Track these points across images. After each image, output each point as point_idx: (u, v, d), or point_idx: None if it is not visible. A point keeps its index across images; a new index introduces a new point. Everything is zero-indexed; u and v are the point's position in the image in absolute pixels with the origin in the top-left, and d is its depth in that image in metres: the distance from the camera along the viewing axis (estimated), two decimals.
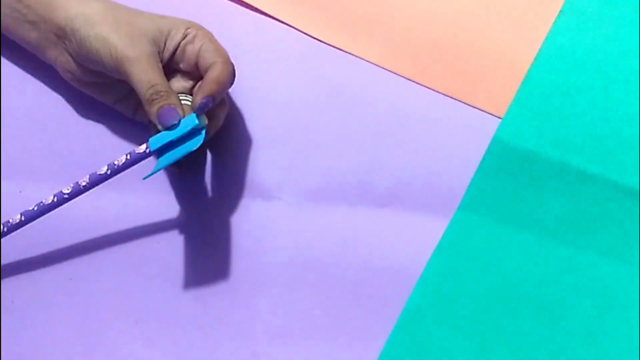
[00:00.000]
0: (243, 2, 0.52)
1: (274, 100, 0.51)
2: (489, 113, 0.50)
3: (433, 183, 0.49)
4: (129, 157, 0.45)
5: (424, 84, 0.51)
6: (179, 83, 0.48)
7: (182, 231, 0.50)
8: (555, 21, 0.51)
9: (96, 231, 0.50)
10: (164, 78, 0.46)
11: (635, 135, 0.49)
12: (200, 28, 0.48)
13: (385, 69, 0.51)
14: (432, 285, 0.48)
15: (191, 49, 0.47)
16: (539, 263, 0.47)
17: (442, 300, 0.47)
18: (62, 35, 0.47)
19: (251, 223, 0.49)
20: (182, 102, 0.46)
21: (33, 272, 0.49)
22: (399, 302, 0.48)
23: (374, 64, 0.51)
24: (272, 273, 0.49)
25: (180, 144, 0.45)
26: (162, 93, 0.45)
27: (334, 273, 0.48)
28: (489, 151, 0.49)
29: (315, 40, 0.52)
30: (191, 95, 0.47)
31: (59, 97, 0.51)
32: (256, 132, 0.51)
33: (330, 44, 0.52)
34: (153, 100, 0.44)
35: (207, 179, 0.50)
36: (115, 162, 0.45)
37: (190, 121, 0.44)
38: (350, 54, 0.51)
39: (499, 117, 0.50)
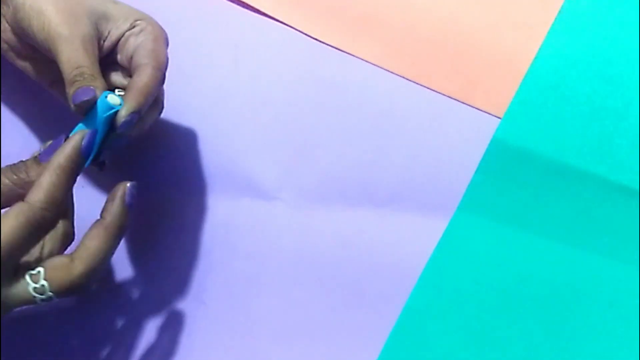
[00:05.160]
0: (243, 2, 0.52)
1: (274, 100, 0.51)
2: (488, 113, 0.50)
3: (433, 183, 0.49)
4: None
5: (424, 84, 0.51)
6: (118, 77, 0.45)
7: (181, 231, 0.50)
8: (555, 21, 0.51)
9: None
10: (95, 63, 0.41)
11: (635, 135, 0.49)
12: (151, 23, 0.44)
13: (385, 69, 0.51)
14: (432, 285, 0.48)
15: (132, 42, 0.43)
16: (538, 263, 0.48)
17: (442, 300, 0.47)
18: None
19: (251, 223, 0.49)
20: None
21: None
22: (399, 302, 0.48)
23: (374, 64, 0.51)
24: (272, 273, 0.49)
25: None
26: (86, 75, 0.40)
27: (334, 273, 0.48)
28: (488, 151, 0.49)
29: (315, 40, 0.52)
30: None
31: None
32: (256, 132, 0.51)
33: (330, 44, 0.52)
34: (75, 81, 0.40)
35: (206, 178, 0.50)
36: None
37: (105, 106, 0.40)
38: (350, 54, 0.51)
39: (499, 117, 0.50)
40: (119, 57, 0.44)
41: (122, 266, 0.49)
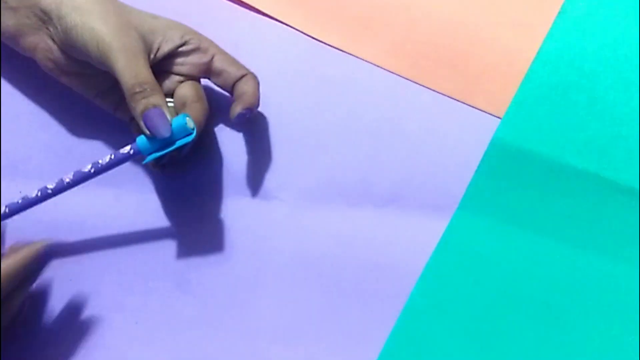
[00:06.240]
0: (243, 2, 0.52)
1: (273, 101, 0.51)
2: (488, 113, 0.50)
3: (433, 183, 0.49)
4: (112, 157, 0.44)
5: (424, 84, 0.51)
6: (164, 85, 0.47)
7: (181, 231, 0.50)
8: (555, 21, 0.51)
9: (96, 232, 0.50)
10: (151, 73, 0.44)
11: (635, 135, 0.49)
12: (197, 34, 0.47)
13: (385, 69, 0.51)
14: (432, 285, 0.48)
15: (199, 59, 0.47)
16: (538, 263, 0.48)
17: (442, 300, 0.47)
18: (47, 20, 0.45)
19: (251, 223, 0.49)
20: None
21: None
22: (399, 302, 0.48)
23: (374, 64, 0.51)
24: (271, 273, 0.49)
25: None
26: (147, 88, 0.43)
27: (334, 273, 0.48)
28: (488, 151, 0.49)
29: (315, 40, 0.52)
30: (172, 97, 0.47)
31: (56, 95, 0.51)
32: (256, 131, 0.51)
33: (330, 44, 0.52)
34: (136, 93, 0.43)
35: (206, 178, 0.50)
36: (100, 162, 0.44)
37: (182, 128, 0.44)
38: (350, 54, 0.51)
39: (499, 117, 0.50)
40: (179, 69, 0.47)
41: (121, 266, 0.49)
